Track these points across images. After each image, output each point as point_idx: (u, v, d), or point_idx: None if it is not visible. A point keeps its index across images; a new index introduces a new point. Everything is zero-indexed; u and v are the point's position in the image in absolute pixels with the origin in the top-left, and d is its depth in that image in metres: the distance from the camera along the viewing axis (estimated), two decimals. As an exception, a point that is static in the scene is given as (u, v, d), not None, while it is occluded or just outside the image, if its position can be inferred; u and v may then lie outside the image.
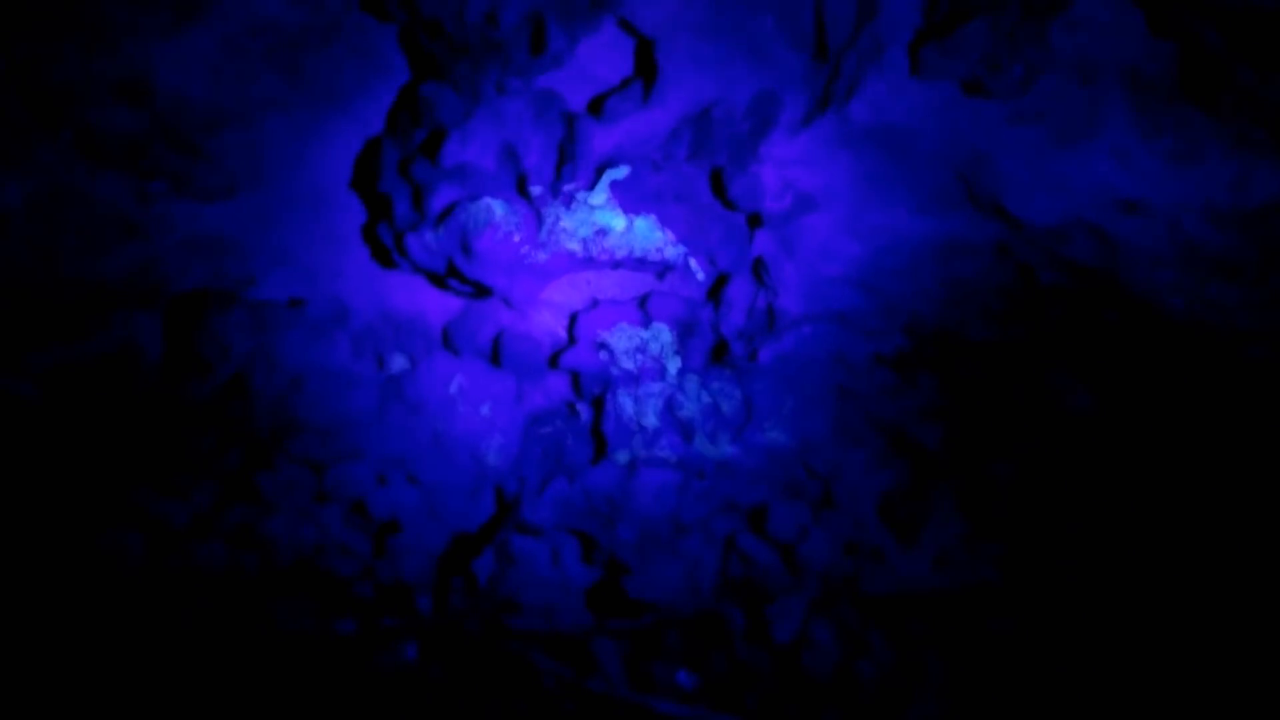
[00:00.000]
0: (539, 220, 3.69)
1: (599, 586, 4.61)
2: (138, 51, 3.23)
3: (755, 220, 3.80)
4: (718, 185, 3.66)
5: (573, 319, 4.47)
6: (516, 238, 3.67)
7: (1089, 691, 3.91)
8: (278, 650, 4.29)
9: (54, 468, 3.91)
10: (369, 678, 4.40)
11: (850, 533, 4.49)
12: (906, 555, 4.41)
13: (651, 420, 4.44)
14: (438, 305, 4.51)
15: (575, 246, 3.75)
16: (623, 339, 4.38)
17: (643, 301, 4.39)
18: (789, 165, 3.50)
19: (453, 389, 4.39)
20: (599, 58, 3.61)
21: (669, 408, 4.42)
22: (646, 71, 3.56)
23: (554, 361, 4.53)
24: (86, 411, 3.89)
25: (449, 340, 4.54)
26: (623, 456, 4.49)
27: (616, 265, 3.87)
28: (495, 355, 4.53)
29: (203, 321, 4.03)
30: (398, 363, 4.43)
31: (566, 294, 4.38)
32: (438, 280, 4.21)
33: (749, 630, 4.53)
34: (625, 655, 4.59)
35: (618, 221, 3.72)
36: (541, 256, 3.75)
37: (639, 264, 3.90)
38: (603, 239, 3.72)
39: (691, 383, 4.38)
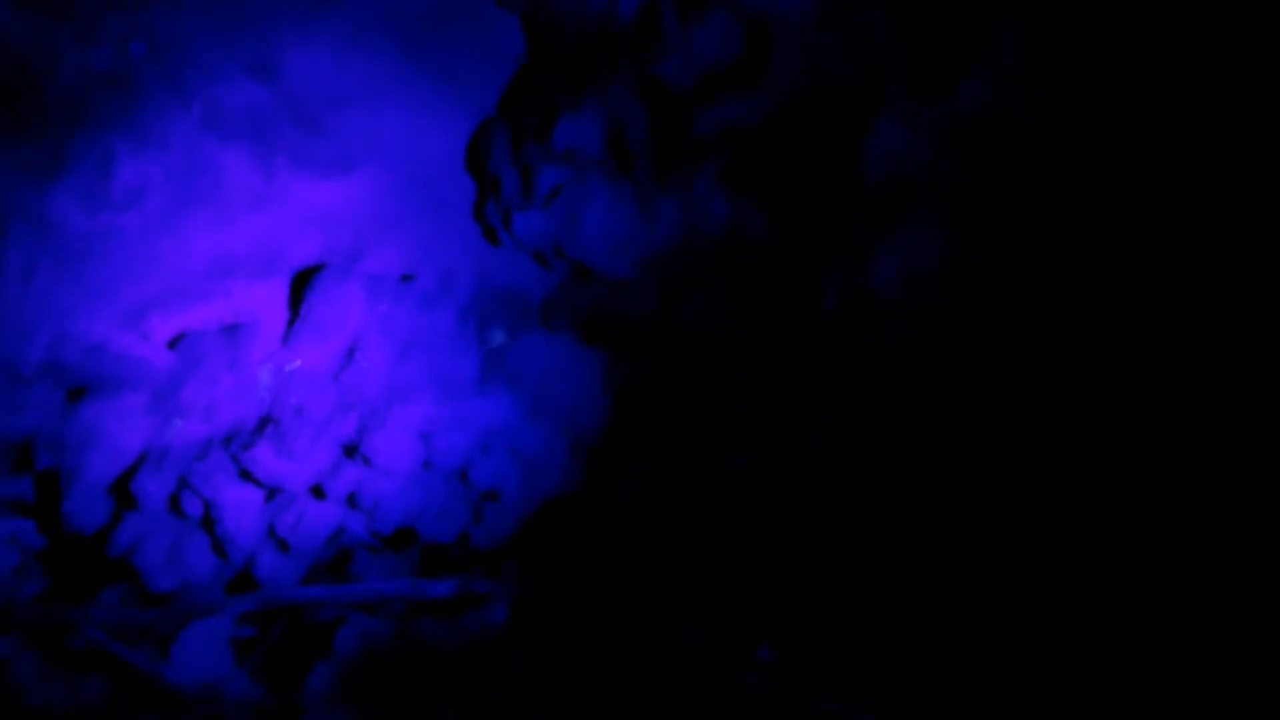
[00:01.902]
0: (644, 203, 3.78)
1: (689, 565, 4.70)
2: (273, 33, 3.38)
3: (857, 207, 3.84)
4: (820, 170, 3.71)
5: (667, 295, 4.54)
6: (621, 221, 3.77)
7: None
8: (373, 608, 4.46)
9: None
10: (460, 637, 4.55)
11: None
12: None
13: (742, 401, 4.50)
14: (539, 281, 4.63)
15: (679, 229, 3.83)
16: (715, 315, 4.44)
17: (736, 279, 4.45)
18: (891, 155, 3.54)
19: (546, 367, 4.50)
20: (707, 42, 3.68)
21: (761, 387, 4.48)
22: (754, 56, 3.62)
23: (648, 334, 4.61)
24: (207, 377, 4.07)
25: (547, 315, 4.66)
26: (713, 436, 4.56)
27: (718, 246, 3.94)
28: (591, 331, 4.63)
29: (321, 291, 4.20)
30: (497, 337, 4.57)
31: (665, 270, 4.46)
32: (540, 258, 4.34)
33: (838, 618, 4.59)
34: (707, 630, 4.68)
35: (719, 205, 3.79)
36: (645, 238, 3.84)
37: (740, 246, 3.96)
38: (706, 220, 3.79)
39: (785, 361, 4.43)
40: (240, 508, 4.16)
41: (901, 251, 3.91)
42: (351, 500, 4.27)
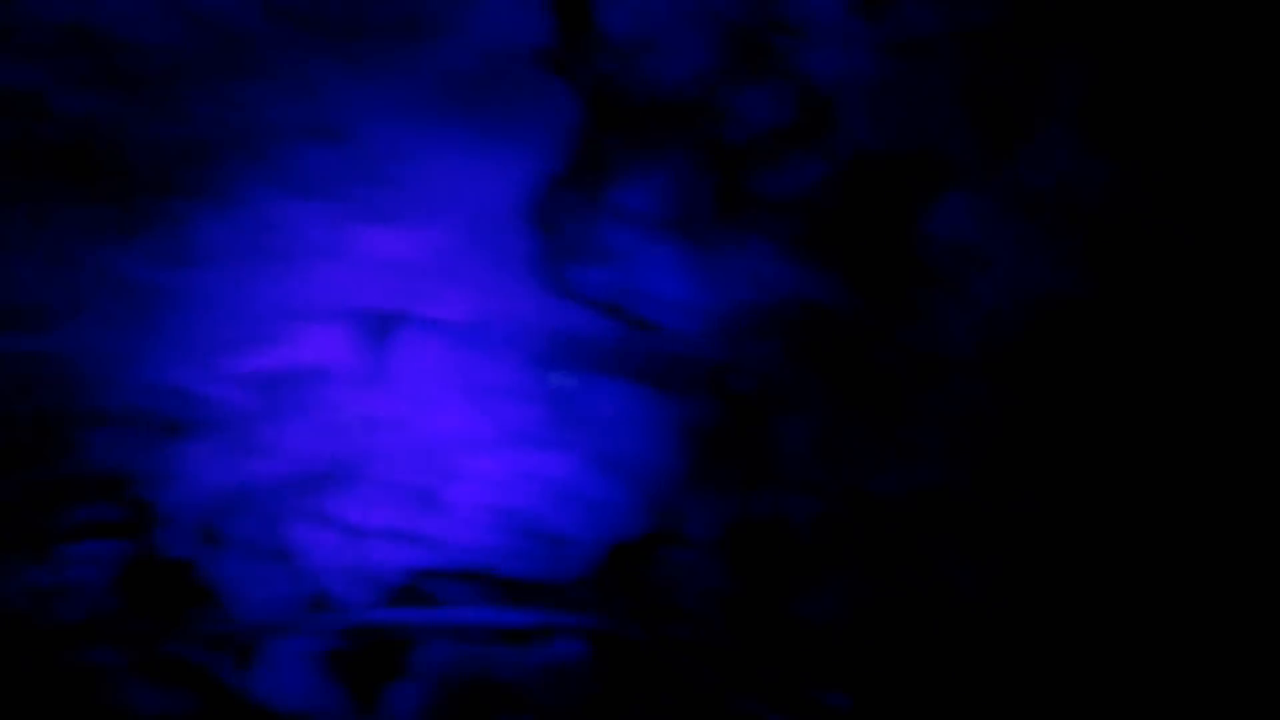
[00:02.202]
0: (705, 266, 3.78)
1: (754, 601, 4.69)
2: (340, 98, 3.48)
3: (919, 272, 3.78)
4: (882, 237, 3.67)
5: (731, 342, 4.53)
6: (681, 282, 3.77)
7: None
8: (450, 634, 4.56)
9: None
10: (537, 665, 4.63)
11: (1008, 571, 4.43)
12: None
13: (807, 449, 4.47)
14: (604, 328, 4.66)
15: (739, 290, 3.82)
16: (780, 365, 4.42)
17: (801, 329, 4.42)
18: (956, 221, 3.48)
19: (613, 412, 4.54)
20: (765, 105, 3.66)
21: (824, 437, 4.44)
22: (812, 120, 3.59)
23: (712, 381, 4.61)
24: (283, 419, 4.22)
25: (612, 361, 4.69)
26: (778, 483, 4.54)
27: (780, 305, 3.92)
28: (656, 374, 4.64)
29: (391, 338, 4.31)
30: (565, 382, 4.62)
31: (727, 325, 4.45)
32: (603, 309, 4.38)
33: (912, 661, 4.53)
34: (779, 673, 4.66)
35: (779, 270, 3.77)
36: (705, 298, 3.84)
37: (802, 305, 3.94)
38: (767, 286, 3.78)
39: (849, 414, 4.38)
40: (316, 546, 4.30)
41: (969, 313, 3.84)
42: (424, 542, 4.37)
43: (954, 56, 3.27)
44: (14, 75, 3.04)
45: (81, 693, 4.03)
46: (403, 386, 4.39)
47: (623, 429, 4.72)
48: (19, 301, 3.39)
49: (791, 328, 4.37)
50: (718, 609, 4.73)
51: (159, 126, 3.40)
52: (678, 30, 3.23)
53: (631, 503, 4.69)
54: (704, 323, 4.21)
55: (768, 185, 3.67)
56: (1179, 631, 4.09)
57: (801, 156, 3.59)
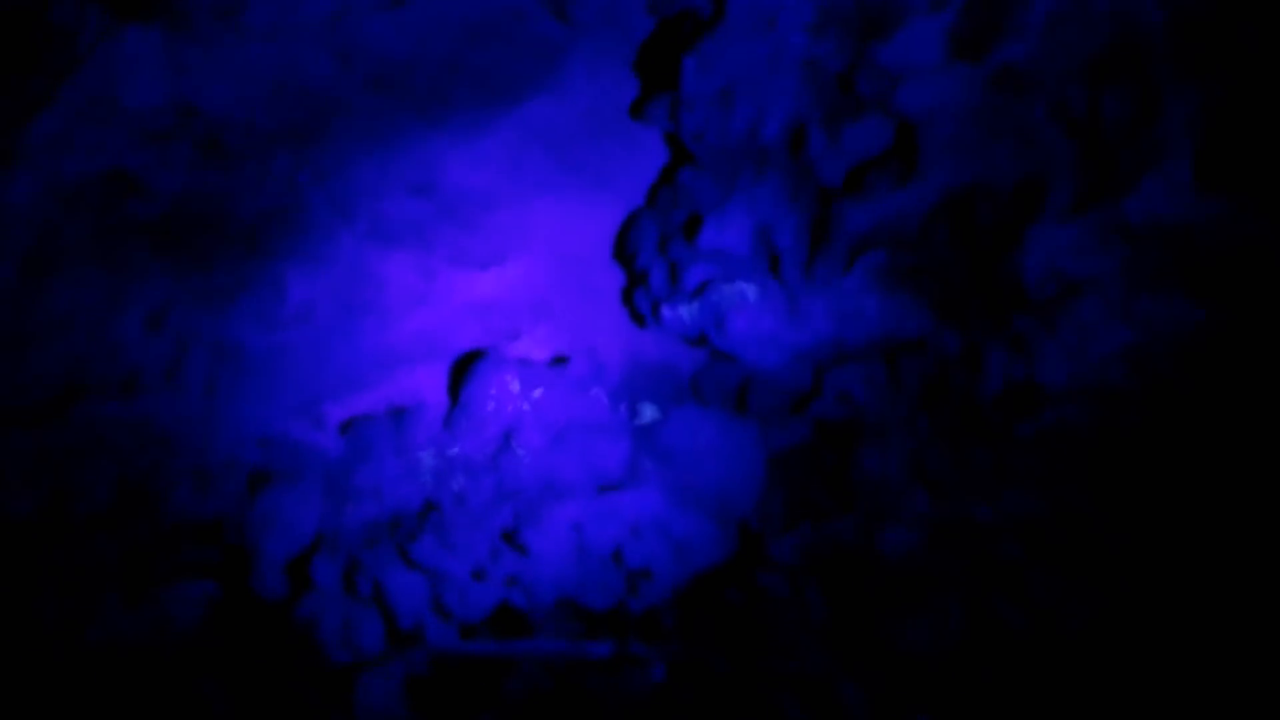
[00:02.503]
0: (792, 302, 3.74)
1: (844, 628, 4.67)
2: (429, 155, 3.49)
3: (1017, 303, 3.71)
4: (977, 269, 3.60)
5: (818, 370, 4.50)
6: (768, 319, 3.74)
7: None
8: (535, 664, 4.60)
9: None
10: (620, 693, 4.65)
11: (1108, 603, 4.35)
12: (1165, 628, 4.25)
13: (898, 476, 4.43)
14: (688, 357, 4.65)
15: (829, 325, 3.78)
16: (870, 392, 4.37)
17: (892, 358, 4.37)
18: (1056, 253, 3.40)
19: (699, 442, 4.52)
20: (858, 135, 3.61)
21: (917, 464, 4.39)
22: (905, 150, 3.53)
23: (799, 409, 4.58)
24: (375, 461, 4.26)
25: (697, 389, 4.68)
26: (868, 510, 4.51)
27: (871, 338, 3.88)
28: (741, 402, 4.63)
29: (478, 378, 4.33)
30: (649, 412, 4.61)
31: (815, 348, 4.41)
32: (690, 341, 4.36)
33: (999, 688, 4.49)
34: (870, 701, 4.64)
35: (870, 303, 3.72)
36: (794, 334, 3.81)
37: (892, 337, 3.89)
38: (855, 320, 3.73)
39: (941, 442, 4.33)
40: (407, 589, 4.35)
41: (1068, 344, 3.77)
42: (511, 580, 4.40)
43: (1058, 87, 3.18)
44: (122, 156, 3.08)
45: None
46: (491, 426, 4.40)
47: (708, 460, 4.70)
48: (118, 369, 3.44)
49: (883, 358, 4.32)
50: (805, 636, 4.71)
51: (255, 195, 3.43)
52: (768, 79, 3.18)
53: (716, 535, 4.69)
54: (792, 356, 4.16)
55: (860, 219, 3.62)
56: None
57: (894, 190, 3.52)
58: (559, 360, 4.57)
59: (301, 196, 3.52)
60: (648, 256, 3.97)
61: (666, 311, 4.03)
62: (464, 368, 4.44)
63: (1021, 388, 4.07)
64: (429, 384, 4.43)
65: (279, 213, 3.54)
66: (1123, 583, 4.32)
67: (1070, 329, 3.71)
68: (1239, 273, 3.32)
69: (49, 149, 3.05)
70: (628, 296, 4.40)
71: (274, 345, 3.69)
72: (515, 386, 4.41)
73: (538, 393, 4.45)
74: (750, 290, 3.76)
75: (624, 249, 4.12)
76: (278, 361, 3.77)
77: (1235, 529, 4.02)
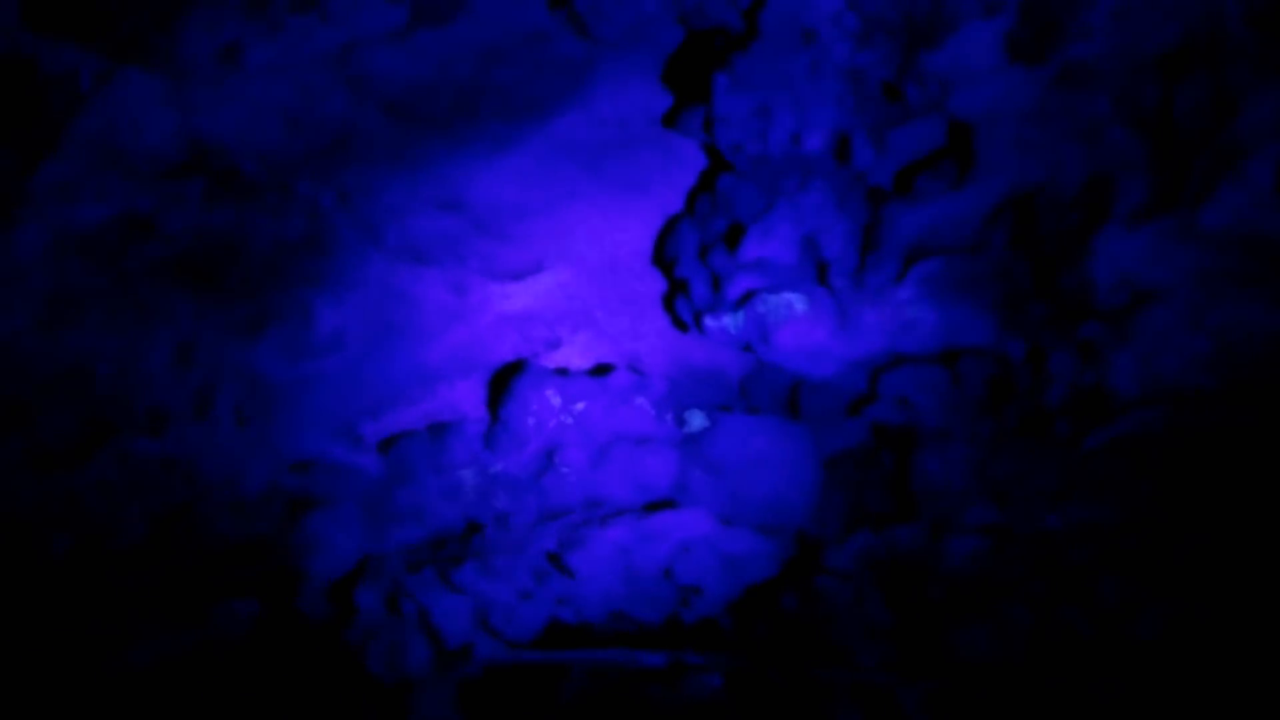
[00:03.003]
0: (842, 314, 3.55)
1: (905, 636, 4.53)
2: (457, 171, 3.36)
3: (1084, 311, 3.49)
4: (1041, 275, 3.38)
5: (874, 374, 4.32)
6: (818, 331, 3.56)
7: None
8: (592, 679, 4.52)
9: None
10: (677, 702, 4.57)
11: (1180, 613, 4.16)
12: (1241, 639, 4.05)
13: (960, 482, 4.26)
14: (736, 362, 4.49)
15: (881, 336, 3.59)
16: (929, 396, 4.19)
17: (951, 362, 4.17)
18: (1126, 259, 3.18)
19: (751, 450, 4.37)
20: (907, 141, 3.40)
21: (980, 471, 4.21)
22: (961, 150, 3.31)
23: (855, 411, 4.41)
24: (415, 481, 4.16)
25: (746, 394, 4.52)
26: (930, 517, 4.34)
27: (927, 348, 3.68)
28: (793, 407, 4.46)
29: (518, 393, 4.20)
30: (697, 420, 4.46)
31: (868, 357, 4.23)
32: (736, 348, 4.19)
33: (1068, 702, 4.33)
34: (932, 711, 4.51)
35: (927, 314, 3.52)
36: (844, 345, 3.62)
37: (952, 346, 3.69)
38: (911, 331, 3.53)
39: (1006, 448, 4.14)
40: (452, 612, 4.26)
41: (1140, 352, 3.56)
42: (559, 600, 4.30)
43: (1127, 84, 2.94)
44: (134, 199, 2.98)
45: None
46: (533, 442, 4.28)
47: (761, 468, 4.56)
48: (147, 407, 3.36)
49: (943, 362, 4.13)
50: (865, 643, 4.59)
51: (277, 224, 3.32)
52: (809, 90, 2.98)
53: (770, 547, 4.55)
54: (844, 368, 3.98)
55: (912, 225, 3.41)
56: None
57: (948, 193, 3.31)
58: (601, 370, 4.43)
59: (325, 222, 3.40)
60: (688, 264, 3.80)
61: (710, 322, 3.86)
62: (503, 382, 4.31)
63: (1090, 394, 3.86)
64: (468, 400, 4.32)
65: (303, 240, 3.42)
66: (1195, 591, 4.13)
67: (1142, 338, 3.49)
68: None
69: (56, 196, 2.96)
70: (669, 303, 4.24)
71: (306, 373, 3.60)
72: (556, 400, 4.28)
73: (580, 405, 4.31)
74: (798, 301, 3.58)
75: (663, 255, 3.95)
76: (311, 388, 3.68)
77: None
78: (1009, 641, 4.33)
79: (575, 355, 4.40)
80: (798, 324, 3.60)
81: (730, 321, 3.79)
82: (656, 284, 4.22)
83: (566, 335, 4.35)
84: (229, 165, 3.12)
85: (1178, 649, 4.20)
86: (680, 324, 4.25)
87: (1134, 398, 3.71)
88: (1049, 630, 4.35)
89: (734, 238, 3.59)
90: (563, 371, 4.36)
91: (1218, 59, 2.69)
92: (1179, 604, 4.17)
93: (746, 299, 3.72)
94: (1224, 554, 4.12)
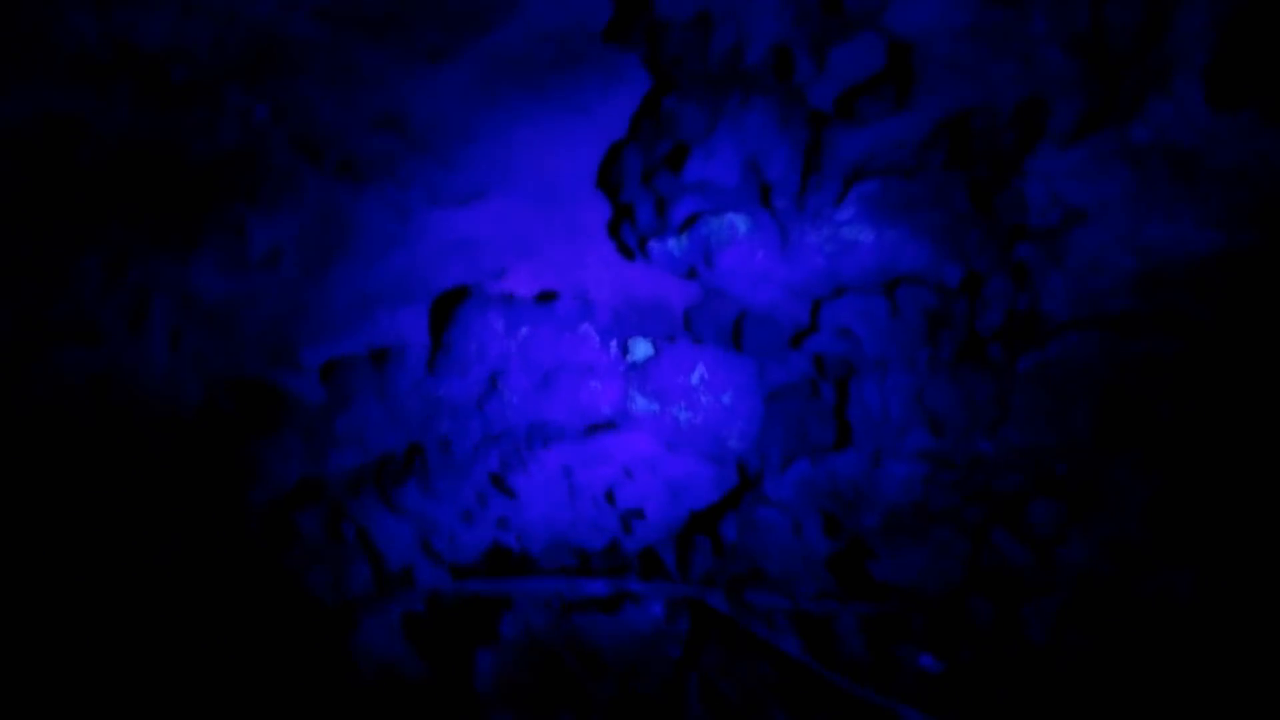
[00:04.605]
0: (784, 235, 3.57)
1: (842, 564, 4.60)
2: (393, 89, 3.31)
3: (1018, 231, 3.53)
4: (977, 196, 3.42)
5: (816, 304, 4.35)
6: (760, 253, 3.58)
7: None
8: (531, 602, 4.55)
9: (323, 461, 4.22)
10: (618, 630, 4.61)
11: (1112, 535, 4.26)
12: (1170, 562, 4.16)
13: (898, 411, 4.31)
14: (680, 292, 4.50)
15: (822, 258, 3.62)
16: (868, 326, 4.23)
17: (890, 290, 4.22)
18: (1058, 178, 3.22)
19: (695, 378, 4.39)
20: (848, 57, 3.41)
21: (918, 399, 4.27)
22: (899, 73, 3.33)
23: (796, 343, 4.45)
24: (357, 407, 4.14)
25: (691, 325, 4.54)
26: (868, 446, 4.40)
27: (867, 271, 3.71)
28: (736, 338, 4.49)
29: (461, 319, 4.18)
30: (641, 349, 4.47)
31: (809, 282, 4.26)
32: (680, 274, 4.20)
33: (999, 625, 4.43)
34: (869, 636, 4.59)
35: (866, 235, 3.55)
36: (785, 270, 3.65)
37: (891, 269, 3.73)
38: (850, 253, 3.56)
39: (942, 376, 4.20)
40: (395, 534, 4.27)
41: (1073, 273, 3.61)
42: (501, 523, 4.32)
43: (1058, 1, 2.97)
44: (51, 100, 2.90)
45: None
46: (477, 367, 4.27)
47: (703, 398, 4.58)
48: (78, 318, 3.30)
49: (882, 291, 4.17)
50: (804, 571, 4.66)
51: (211, 135, 3.25)
52: (745, 1, 2.97)
53: (711, 474, 4.59)
54: (786, 292, 4.00)
55: (852, 147, 3.43)
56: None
57: (888, 115, 3.33)
58: (546, 297, 4.42)
59: (259, 136, 3.33)
60: (633, 189, 3.79)
61: (655, 246, 3.86)
62: (446, 308, 4.29)
63: (1024, 319, 3.92)
64: (411, 326, 4.30)
65: (236, 154, 3.35)
66: (1126, 515, 4.22)
67: (1074, 258, 3.54)
68: (1251, 196, 3.14)
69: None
70: (614, 230, 4.23)
71: (242, 293, 3.53)
72: (500, 326, 4.26)
73: (524, 331, 4.30)
74: (740, 222, 3.59)
75: (608, 180, 3.94)
76: (248, 309, 3.63)
77: (1245, 461, 3.90)
78: (943, 566, 4.41)
79: (520, 283, 4.38)
80: (740, 245, 3.62)
81: (674, 244, 3.79)
82: (601, 211, 4.20)
83: (511, 263, 4.33)
84: (157, 70, 3.04)
85: (1107, 572, 4.30)
86: (626, 250, 4.24)
87: (1065, 320, 3.78)
88: (982, 555, 4.43)
89: (677, 160, 3.58)
90: (507, 298, 4.33)
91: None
92: (1109, 528, 4.27)
93: (690, 222, 3.73)
94: (1153, 478, 4.22)
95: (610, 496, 4.41)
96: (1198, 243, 3.26)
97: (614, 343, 4.44)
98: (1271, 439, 3.88)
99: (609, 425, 4.31)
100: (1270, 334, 3.54)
